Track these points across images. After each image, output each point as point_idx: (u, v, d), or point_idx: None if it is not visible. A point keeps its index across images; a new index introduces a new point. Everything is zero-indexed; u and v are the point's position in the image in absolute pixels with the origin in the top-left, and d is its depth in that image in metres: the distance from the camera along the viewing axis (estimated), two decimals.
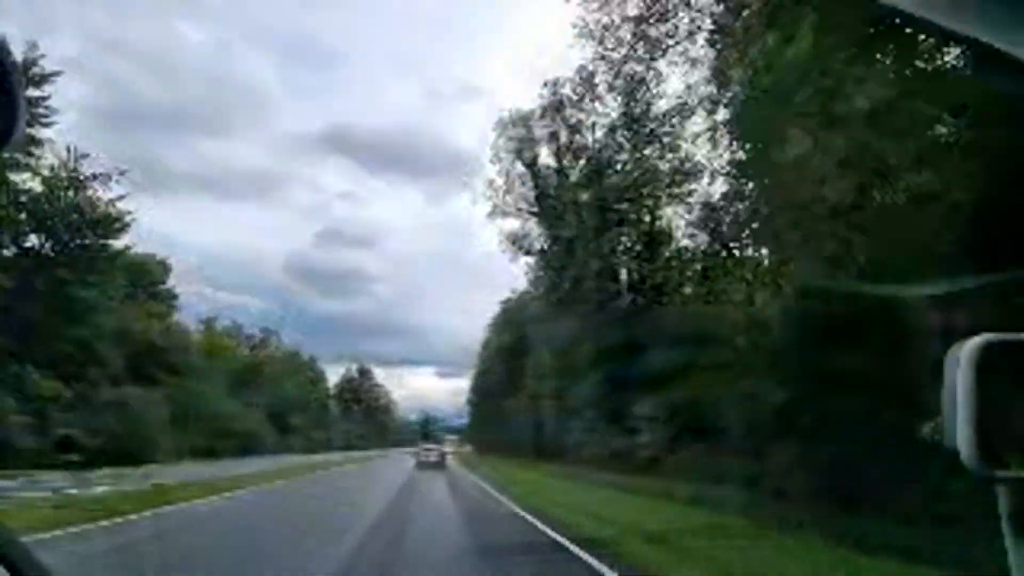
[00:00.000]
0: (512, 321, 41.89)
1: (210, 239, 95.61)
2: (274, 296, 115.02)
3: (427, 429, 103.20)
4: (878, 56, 8.51)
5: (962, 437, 0.75)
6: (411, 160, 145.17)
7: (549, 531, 9.78)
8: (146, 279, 40.59)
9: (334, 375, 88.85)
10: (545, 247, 31.96)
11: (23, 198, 26.08)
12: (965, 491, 5.53)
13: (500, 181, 32.47)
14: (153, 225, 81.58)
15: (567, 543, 8.49)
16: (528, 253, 33.56)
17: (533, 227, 32.51)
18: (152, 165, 78.01)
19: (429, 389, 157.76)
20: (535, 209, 31.62)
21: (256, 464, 30.18)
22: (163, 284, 43.29)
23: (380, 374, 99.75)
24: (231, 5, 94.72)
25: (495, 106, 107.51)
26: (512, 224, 33.12)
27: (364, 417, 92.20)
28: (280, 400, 56.65)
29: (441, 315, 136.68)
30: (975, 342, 0.78)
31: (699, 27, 18.29)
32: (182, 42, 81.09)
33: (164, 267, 43.10)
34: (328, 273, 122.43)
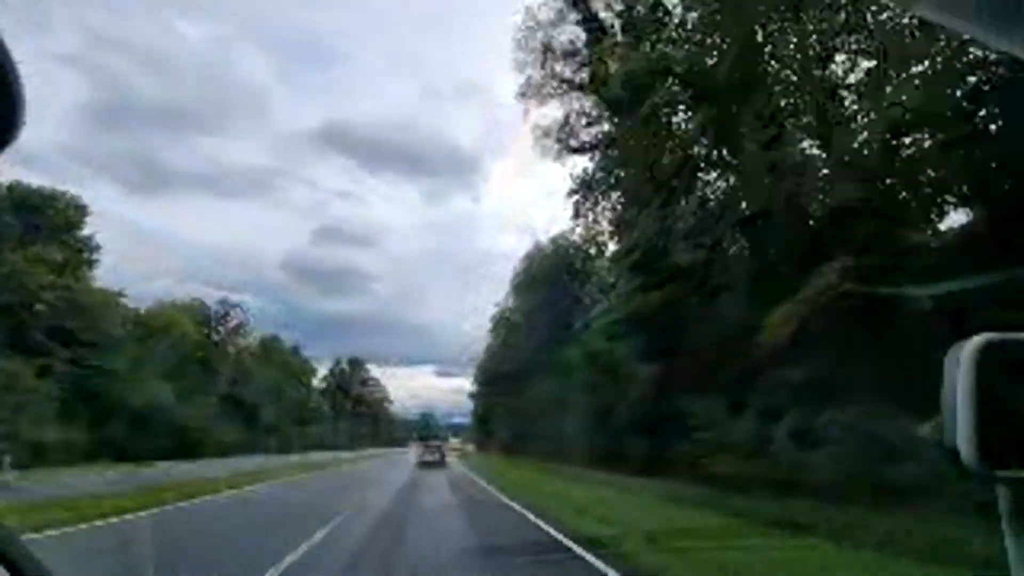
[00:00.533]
0: (541, 276, 34.45)
1: (208, 237, 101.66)
2: (272, 295, 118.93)
3: (426, 428, 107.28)
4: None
5: (962, 437, 0.81)
6: (410, 158, 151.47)
7: None
8: (49, 219, 33.88)
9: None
10: (606, 139, 22.83)
11: None
12: None
13: (536, 44, 23.31)
14: (151, 223, 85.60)
15: None
16: (578, 151, 24.05)
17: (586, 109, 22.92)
18: (149, 163, 78.60)
19: (428, 388, 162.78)
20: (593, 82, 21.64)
21: (177, 471, 23.03)
22: (77, 230, 36.68)
23: (377, 372, 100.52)
24: (229, 2, 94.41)
25: (494, 103, 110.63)
26: (553, 110, 24.18)
27: (357, 413, 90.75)
28: (250, 391, 51.03)
29: (440, 314, 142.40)
30: (975, 342, 0.84)
31: None
32: (180, 39, 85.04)
33: (79, 209, 36.62)
34: (326, 272, 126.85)
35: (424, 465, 34.08)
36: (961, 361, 0.84)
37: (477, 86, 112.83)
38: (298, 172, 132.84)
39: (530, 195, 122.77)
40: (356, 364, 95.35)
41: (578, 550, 8.02)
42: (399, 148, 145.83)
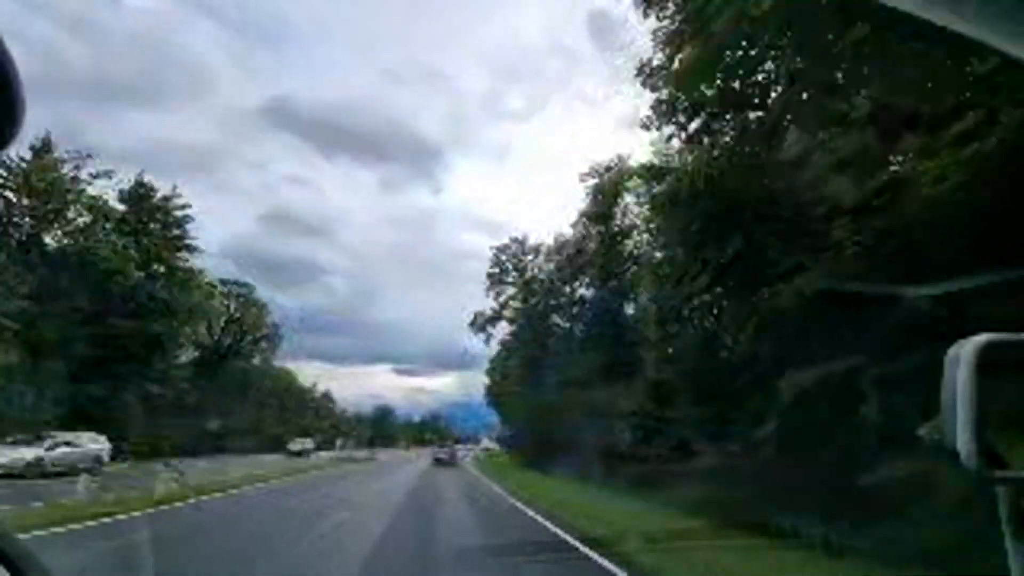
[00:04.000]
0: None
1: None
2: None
3: (386, 429, 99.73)
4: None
5: (962, 437, 0.82)
6: (367, 144, 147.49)
7: None
8: None
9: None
10: None
11: None
12: None
13: None
14: None
15: None
16: None
17: None
18: (79, 138, 77.11)
19: (387, 387, 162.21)
20: None
21: None
22: None
23: (331, 369, 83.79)
24: None
25: (458, 94, 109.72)
26: None
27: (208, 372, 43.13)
28: None
29: (399, 311, 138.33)
30: (975, 342, 0.85)
31: None
32: (113, 4, 79.42)
33: None
34: (276, 262, 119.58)
35: (438, 463, 38.19)
36: (961, 361, 0.84)
37: (440, 74, 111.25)
38: (244, 152, 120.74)
39: (497, 192, 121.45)
40: (143, 192, 37.50)
41: None
42: (355, 132, 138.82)
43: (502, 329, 46.81)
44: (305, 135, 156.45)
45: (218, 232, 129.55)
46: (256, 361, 55.35)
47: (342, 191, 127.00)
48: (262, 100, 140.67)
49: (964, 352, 0.85)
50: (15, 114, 0.76)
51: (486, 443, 70.28)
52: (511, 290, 46.01)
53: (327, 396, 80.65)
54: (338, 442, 55.92)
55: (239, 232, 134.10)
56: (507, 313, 46.14)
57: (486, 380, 55.08)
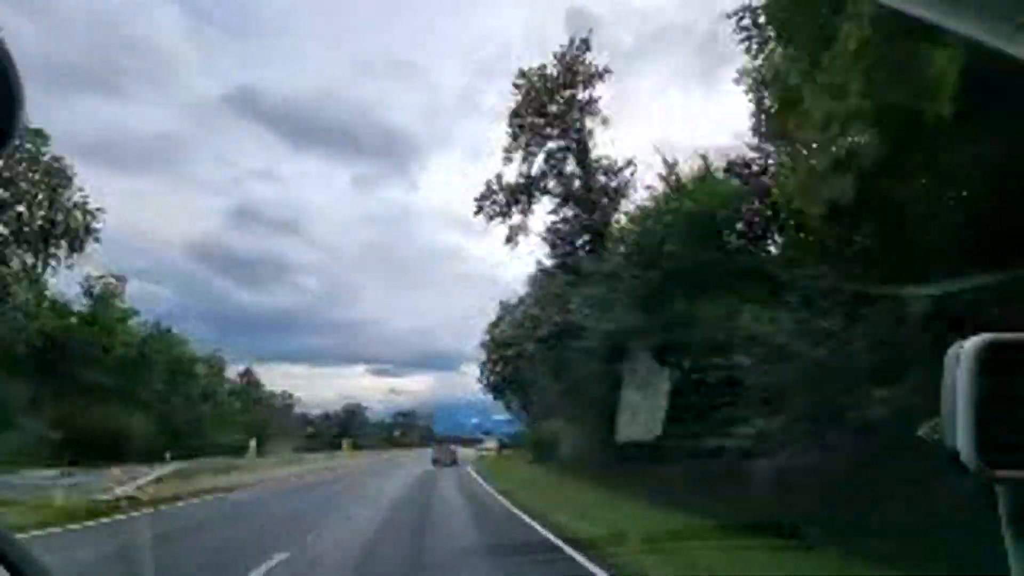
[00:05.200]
0: None
1: (100, 215, 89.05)
2: (178, 284, 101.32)
3: (355, 429, 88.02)
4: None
5: (962, 437, 0.82)
6: (338, 137, 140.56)
7: None
8: None
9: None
10: None
11: None
12: None
13: None
14: None
15: None
16: None
17: None
18: (30, 125, 72.92)
19: (360, 388, 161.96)
20: None
21: None
22: None
23: (307, 371, 74.84)
24: None
25: (433, 89, 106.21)
26: None
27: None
28: None
29: (374, 311, 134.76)
30: (975, 342, 0.84)
31: None
32: None
33: None
34: (244, 260, 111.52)
35: (437, 463, 37.90)
36: (961, 361, 0.84)
37: (415, 68, 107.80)
38: (209, 144, 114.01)
39: (474, 191, 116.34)
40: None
41: None
42: (326, 125, 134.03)
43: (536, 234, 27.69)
44: (274, 127, 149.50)
45: (183, 227, 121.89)
46: (66, 278, 30.65)
47: (314, 186, 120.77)
48: (227, 88, 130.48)
49: (964, 352, 0.85)
50: (14, 113, 0.75)
51: (488, 443, 65.31)
52: (554, 144, 26.92)
53: (248, 374, 64.85)
54: (251, 443, 41.30)
55: (206, 228, 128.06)
56: (553, 186, 26.67)
57: (482, 356, 44.06)
